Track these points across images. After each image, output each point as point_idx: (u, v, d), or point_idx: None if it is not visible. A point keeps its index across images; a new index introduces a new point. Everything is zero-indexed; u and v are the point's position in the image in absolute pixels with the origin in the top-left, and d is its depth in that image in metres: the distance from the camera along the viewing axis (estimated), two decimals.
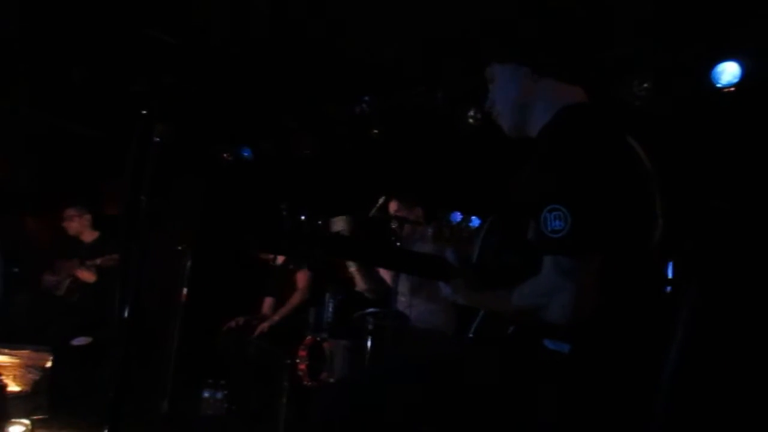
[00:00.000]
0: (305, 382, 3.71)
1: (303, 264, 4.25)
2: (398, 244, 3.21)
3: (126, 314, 1.70)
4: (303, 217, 1.41)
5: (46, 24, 3.88)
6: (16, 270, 5.30)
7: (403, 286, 3.44)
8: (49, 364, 3.78)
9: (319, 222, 1.43)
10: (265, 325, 4.24)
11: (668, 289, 1.51)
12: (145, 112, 1.54)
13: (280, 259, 4.63)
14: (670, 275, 1.52)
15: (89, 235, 4.83)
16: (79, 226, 4.81)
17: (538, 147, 1.47)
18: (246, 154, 5.83)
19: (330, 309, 3.73)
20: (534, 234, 1.37)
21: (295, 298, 4.39)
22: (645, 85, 3.97)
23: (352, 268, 3.94)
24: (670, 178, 1.55)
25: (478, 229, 2.12)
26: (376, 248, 1.63)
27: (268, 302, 4.72)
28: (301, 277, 4.45)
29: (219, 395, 4.22)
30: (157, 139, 1.52)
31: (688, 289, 1.41)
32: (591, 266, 1.30)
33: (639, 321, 1.42)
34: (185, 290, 4.06)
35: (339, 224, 2.90)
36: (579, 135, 1.40)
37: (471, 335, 1.67)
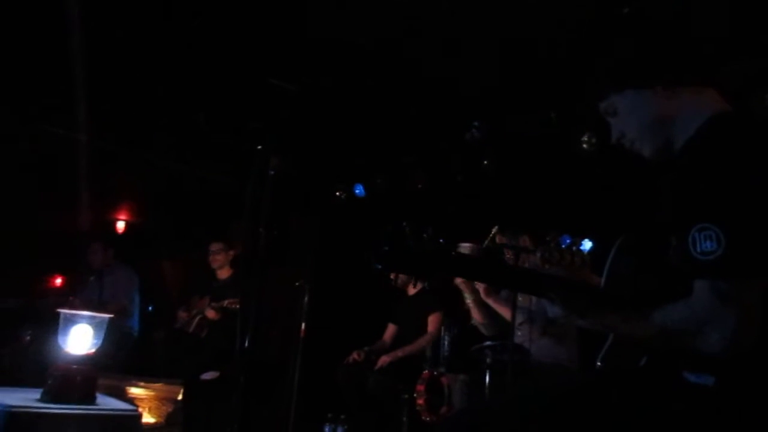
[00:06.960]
0: (424, 417, 3.65)
1: (428, 282, 4.11)
2: None
3: (245, 350, 1.74)
4: (425, 236, 1.37)
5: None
6: (150, 309, 5.71)
7: (523, 320, 3.31)
8: (180, 397, 3.98)
9: (442, 241, 1.38)
10: (386, 359, 4.20)
11: None
12: (260, 147, 1.60)
13: (410, 289, 4.62)
14: None
15: (225, 272, 4.98)
16: (223, 261, 4.95)
17: (682, 162, 1.35)
18: (358, 191, 5.96)
19: (446, 343, 3.66)
20: (679, 256, 1.25)
21: (424, 340, 4.31)
22: None
23: (469, 300, 3.86)
24: None
25: (590, 253, 2.00)
26: (498, 267, 1.55)
27: (390, 330, 4.69)
28: (433, 320, 4.37)
29: (340, 430, 4.23)
30: (272, 172, 1.56)
31: None
32: (755, 292, 1.17)
33: None
34: (303, 325, 4.15)
35: (465, 251, 2.84)
36: (732, 146, 1.26)
37: (599, 363, 1.56)
